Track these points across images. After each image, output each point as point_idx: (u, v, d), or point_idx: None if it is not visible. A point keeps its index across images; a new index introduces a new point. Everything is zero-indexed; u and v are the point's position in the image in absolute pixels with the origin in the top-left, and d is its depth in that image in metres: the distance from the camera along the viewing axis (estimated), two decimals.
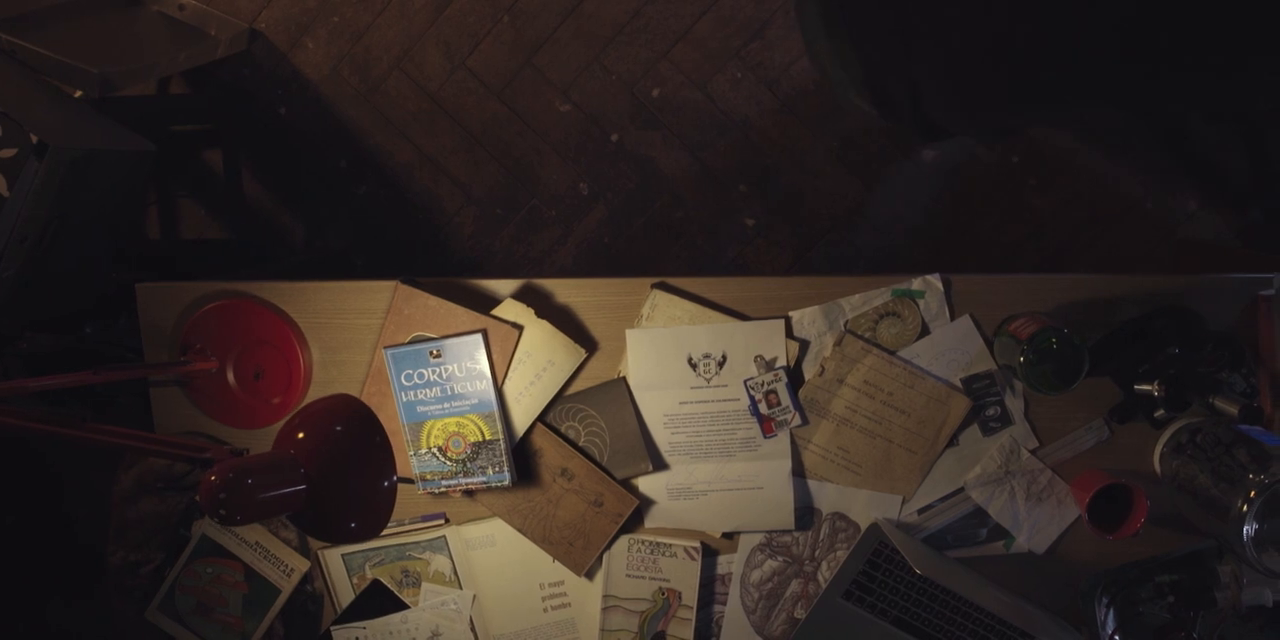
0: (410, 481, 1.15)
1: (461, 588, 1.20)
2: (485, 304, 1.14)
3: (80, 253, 1.51)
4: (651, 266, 1.93)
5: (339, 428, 0.87)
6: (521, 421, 1.15)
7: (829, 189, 1.86)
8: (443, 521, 1.20)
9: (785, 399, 1.13)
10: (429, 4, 1.87)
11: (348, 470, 0.86)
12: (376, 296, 1.17)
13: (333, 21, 1.90)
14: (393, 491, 0.88)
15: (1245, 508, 0.96)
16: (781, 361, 1.13)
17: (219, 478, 0.79)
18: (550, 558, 1.18)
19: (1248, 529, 0.97)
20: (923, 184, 1.82)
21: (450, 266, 1.97)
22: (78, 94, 1.55)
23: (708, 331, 1.13)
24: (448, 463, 1.14)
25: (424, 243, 1.98)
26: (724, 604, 1.19)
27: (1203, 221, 1.75)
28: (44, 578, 1.68)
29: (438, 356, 1.12)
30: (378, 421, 0.88)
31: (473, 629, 1.20)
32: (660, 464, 1.16)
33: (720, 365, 1.14)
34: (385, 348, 1.13)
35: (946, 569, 1.13)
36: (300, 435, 0.86)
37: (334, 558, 1.20)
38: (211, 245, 1.95)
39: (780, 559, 1.18)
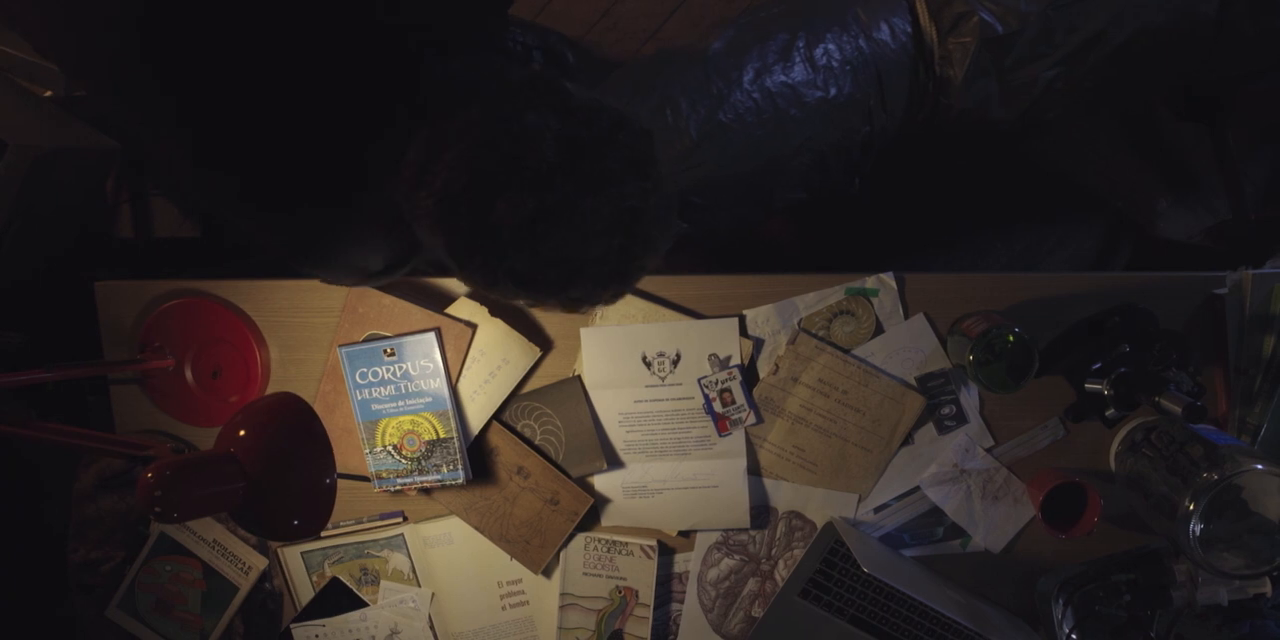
0: (366, 479, 1.16)
1: (420, 586, 1.20)
2: (440, 302, 1.14)
3: (46, 251, 1.51)
4: None
5: (279, 426, 0.87)
6: (477, 420, 1.15)
7: None
8: (401, 519, 1.20)
9: (740, 397, 1.13)
10: None
11: (287, 468, 0.86)
12: (333, 295, 1.17)
13: None
14: (333, 489, 0.88)
15: (1192, 507, 0.96)
16: (736, 360, 1.13)
17: (155, 475, 0.79)
18: (508, 556, 1.18)
19: (1194, 528, 0.97)
20: None
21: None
22: (47, 93, 1.55)
23: (662, 330, 1.13)
24: (403, 461, 1.14)
25: None
26: (681, 602, 1.19)
27: (1172, 220, 1.75)
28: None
29: (392, 355, 1.12)
30: (318, 419, 0.88)
31: (431, 627, 1.21)
32: (615, 462, 1.16)
33: (674, 364, 1.14)
34: (340, 346, 1.13)
35: (901, 568, 1.13)
36: (241, 433, 0.87)
37: (293, 556, 1.21)
38: (184, 244, 1.95)
39: (737, 557, 1.18)
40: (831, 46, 1.15)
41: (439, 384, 1.12)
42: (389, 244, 0.91)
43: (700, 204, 1.10)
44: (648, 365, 1.14)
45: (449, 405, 1.12)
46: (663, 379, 1.14)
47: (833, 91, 1.14)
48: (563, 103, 0.76)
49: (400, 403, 1.13)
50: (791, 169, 1.18)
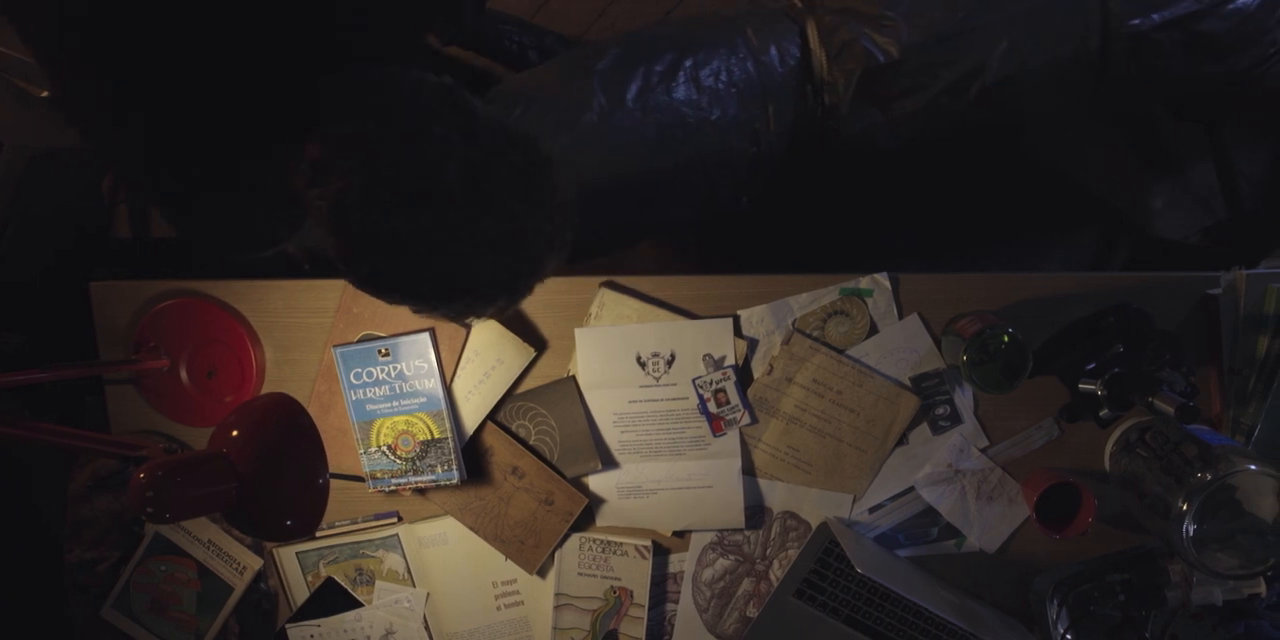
0: (361, 480, 1.16)
1: (415, 586, 1.20)
2: None
3: (44, 251, 1.51)
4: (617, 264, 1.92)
5: (272, 426, 0.87)
6: (471, 420, 1.15)
7: None
8: (395, 520, 1.20)
9: (734, 398, 1.13)
10: None
11: (280, 468, 0.86)
12: (328, 295, 1.17)
13: None
14: (326, 489, 0.88)
15: (1185, 507, 0.96)
16: (730, 360, 1.13)
17: (147, 476, 0.79)
18: (503, 556, 1.18)
19: (1188, 528, 0.97)
20: None
21: None
22: (43, 94, 1.56)
23: (656, 330, 1.13)
24: (397, 461, 1.14)
25: None
26: (676, 603, 1.19)
27: (1169, 219, 1.75)
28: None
29: (386, 355, 1.12)
30: (311, 420, 0.88)
31: (426, 627, 1.21)
32: (610, 462, 1.16)
33: (669, 364, 1.14)
34: (334, 346, 1.13)
35: (895, 569, 1.13)
36: (234, 433, 0.87)
37: (288, 556, 1.21)
38: (183, 244, 1.95)
39: (732, 558, 1.18)
40: (719, 67, 1.15)
41: (433, 384, 1.12)
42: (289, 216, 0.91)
43: (581, 218, 1.11)
44: (642, 365, 1.14)
45: (443, 405, 1.12)
46: (657, 379, 1.14)
47: (716, 113, 1.14)
48: (467, 122, 0.77)
49: (395, 403, 1.13)
50: (675, 186, 1.18)
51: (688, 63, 1.14)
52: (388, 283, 0.80)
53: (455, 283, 0.79)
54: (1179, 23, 1.15)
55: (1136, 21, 1.14)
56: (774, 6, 1.26)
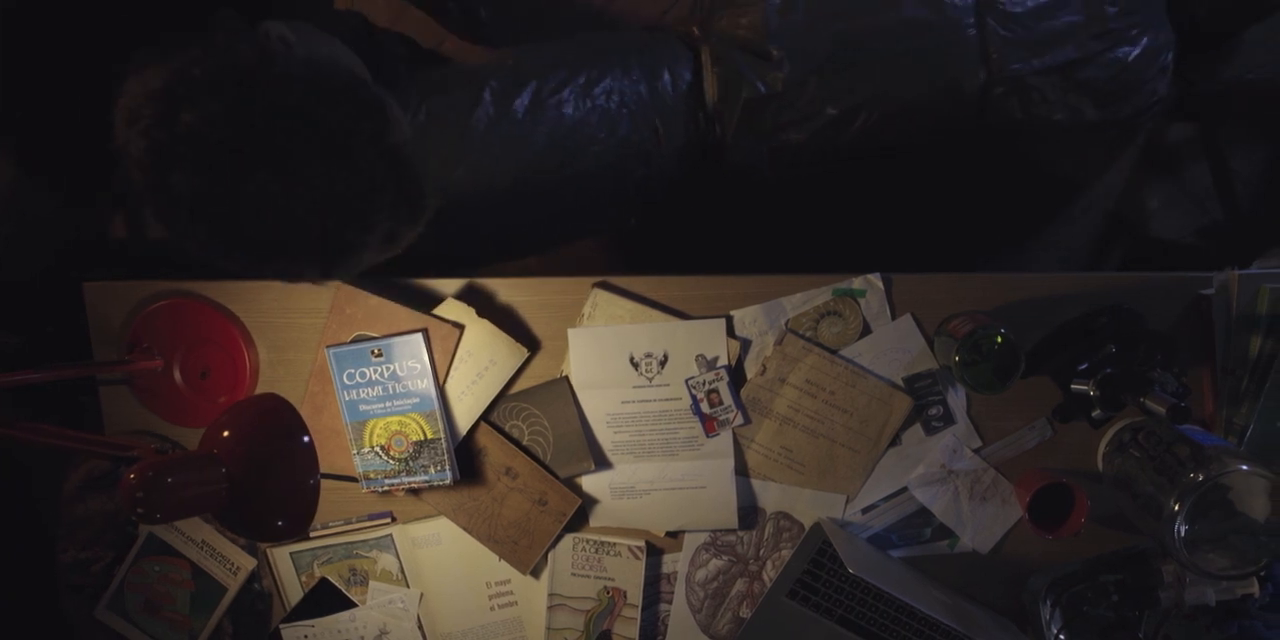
0: (354, 480, 1.16)
1: (409, 586, 1.20)
2: (427, 303, 1.14)
3: (41, 252, 1.51)
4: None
5: (262, 427, 0.88)
6: (464, 420, 1.15)
7: None
8: (389, 520, 1.20)
9: (727, 398, 1.13)
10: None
11: (270, 468, 0.86)
12: (322, 295, 1.17)
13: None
14: (316, 489, 0.88)
15: (1177, 507, 0.96)
16: (723, 360, 1.13)
17: (137, 477, 0.79)
18: (496, 556, 1.18)
19: (1179, 529, 0.97)
20: None
21: (421, 267, 1.96)
22: None
23: (649, 330, 1.13)
24: (390, 461, 1.14)
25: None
26: (669, 603, 1.19)
27: (1164, 219, 1.75)
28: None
29: (379, 356, 1.12)
30: (302, 420, 0.88)
31: (420, 627, 1.21)
32: (603, 463, 1.16)
33: (662, 364, 1.14)
34: (327, 347, 1.13)
35: (888, 569, 1.13)
36: (225, 434, 0.87)
37: (282, 556, 1.21)
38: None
39: (725, 558, 1.18)
40: (612, 87, 1.14)
41: (426, 385, 1.12)
42: None
43: (458, 223, 1.10)
44: (635, 366, 1.14)
45: (436, 406, 1.12)
46: (650, 380, 1.14)
47: (605, 132, 1.14)
48: (281, 79, 0.77)
49: (388, 403, 1.13)
50: (564, 200, 1.18)
51: (580, 80, 1.13)
52: (192, 243, 0.81)
53: (257, 244, 0.80)
54: (1059, 69, 1.15)
55: (1016, 66, 1.15)
56: (674, 31, 1.26)
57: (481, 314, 1.13)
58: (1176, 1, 1.19)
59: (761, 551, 1.18)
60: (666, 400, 1.14)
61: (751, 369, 1.15)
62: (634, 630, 1.18)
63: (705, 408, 1.14)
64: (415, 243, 0.91)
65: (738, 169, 1.23)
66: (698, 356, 1.13)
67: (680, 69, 1.19)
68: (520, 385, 1.16)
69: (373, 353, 1.12)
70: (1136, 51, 1.15)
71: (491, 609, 1.20)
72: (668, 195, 1.25)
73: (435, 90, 1.10)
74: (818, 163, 1.22)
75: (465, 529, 1.18)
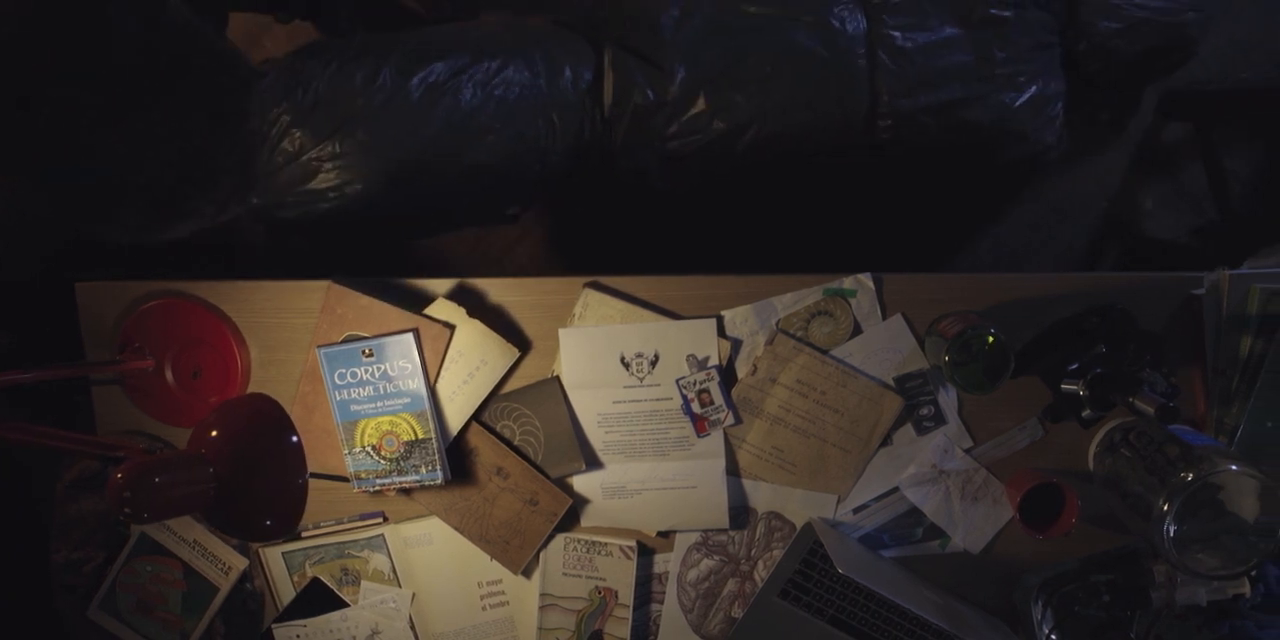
0: (345, 480, 1.16)
1: (400, 586, 1.20)
2: (418, 303, 1.14)
3: (37, 252, 1.51)
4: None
5: (251, 427, 0.88)
6: (455, 420, 1.15)
7: None
8: (381, 520, 1.20)
9: (718, 398, 1.13)
10: None
11: (258, 468, 0.86)
12: (314, 295, 1.17)
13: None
14: (304, 489, 0.88)
15: (1166, 507, 0.96)
16: (714, 360, 1.13)
17: (124, 476, 0.80)
18: (487, 556, 1.18)
19: (1169, 528, 0.97)
20: None
21: (411, 266, 1.96)
22: None
23: (640, 330, 1.13)
24: (381, 461, 1.14)
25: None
26: (661, 603, 1.19)
27: (1159, 219, 1.75)
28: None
29: (370, 356, 1.12)
30: (290, 420, 0.88)
31: (412, 627, 1.21)
32: (594, 463, 1.16)
33: (653, 364, 1.14)
34: (318, 347, 1.13)
35: (879, 569, 1.13)
36: (212, 433, 0.87)
37: (274, 556, 1.21)
38: (177, 245, 1.95)
39: (717, 558, 1.18)
40: (510, 78, 1.14)
41: (417, 385, 1.12)
42: None
43: (347, 199, 1.10)
44: (626, 366, 1.14)
45: (427, 406, 1.13)
46: (641, 380, 1.14)
47: (499, 123, 1.13)
48: (155, 15, 0.78)
49: (379, 403, 1.13)
50: (455, 185, 1.17)
51: (479, 68, 1.12)
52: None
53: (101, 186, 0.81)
54: (943, 108, 1.16)
55: (903, 101, 1.15)
56: (581, 28, 1.25)
57: (472, 314, 1.13)
58: (1070, 55, 1.20)
59: (753, 551, 1.18)
60: (657, 400, 1.14)
61: (742, 369, 1.15)
62: (625, 630, 1.18)
63: (696, 408, 1.14)
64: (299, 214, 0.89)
65: (629, 173, 1.23)
66: (689, 356, 1.13)
67: (582, 68, 1.18)
68: (511, 385, 1.16)
69: (364, 353, 1.12)
70: (1023, 98, 1.16)
71: (483, 609, 1.20)
72: (559, 191, 1.25)
73: (336, 58, 1.09)
74: (710, 174, 1.22)
75: (457, 529, 1.18)
